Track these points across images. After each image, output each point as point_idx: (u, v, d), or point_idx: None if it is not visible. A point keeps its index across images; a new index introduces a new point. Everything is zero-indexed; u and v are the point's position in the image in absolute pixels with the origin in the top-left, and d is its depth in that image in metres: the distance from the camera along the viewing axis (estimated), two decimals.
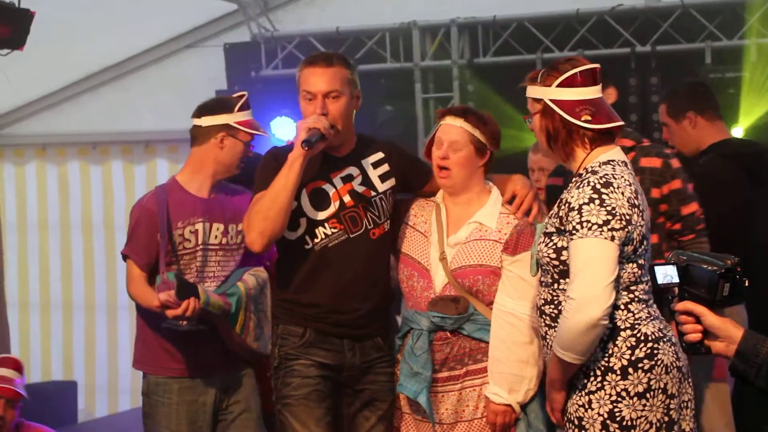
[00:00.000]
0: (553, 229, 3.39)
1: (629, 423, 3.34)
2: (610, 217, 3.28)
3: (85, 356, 8.70)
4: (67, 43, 7.73)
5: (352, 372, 3.95)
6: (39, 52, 6.73)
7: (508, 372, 3.90)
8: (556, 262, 3.36)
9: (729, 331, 2.68)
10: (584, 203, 3.29)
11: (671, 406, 3.40)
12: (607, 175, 3.35)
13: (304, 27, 7.78)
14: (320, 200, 3.88)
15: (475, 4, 7.28)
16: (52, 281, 8.81)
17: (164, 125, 8.25)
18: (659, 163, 4.45)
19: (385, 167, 4.00)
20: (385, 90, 7.65)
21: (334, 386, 3.96)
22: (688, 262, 2.72)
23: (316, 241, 3.87)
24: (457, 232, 3.93)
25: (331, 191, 3.89)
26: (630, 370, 3.34)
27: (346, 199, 3.90)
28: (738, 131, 6.54)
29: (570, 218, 3.29)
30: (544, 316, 3.45)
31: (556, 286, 3.40)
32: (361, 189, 3.91)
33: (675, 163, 4.46)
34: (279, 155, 3.86)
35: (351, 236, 3.89)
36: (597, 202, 3.29)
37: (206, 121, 4.29)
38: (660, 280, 2.75)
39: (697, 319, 2.71)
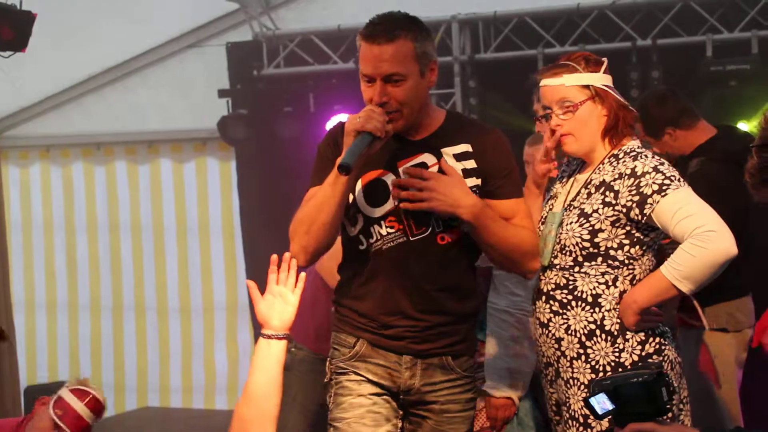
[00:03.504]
0: (595, 207, 3.38)
1: None
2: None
3: (91, 356, 8.72)
4: (69, 45, 7.74)
5: (410, 396, 3.37)
6: (41, 54, 6.75)
7: (506, 367, 3.91)
8: (587, 244, 3.35)
9: None
10: (658, 164, 3.32)
11: (673, 402, 3.41)
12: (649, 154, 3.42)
13: (305, 25, 7.79)
14: (377, 194, 3.30)
15: (475, 1, 7.28)
16: (58, 282, 8.83)
17: (168, 125, 8.27)
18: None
19: (471, 163, 3.33)
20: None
21: (400, 407, 3.40)
22: (614, 384, 2.57)
23: (371, 241, 3.31)
24: None
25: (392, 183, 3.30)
26: (640, 365, 3.34)
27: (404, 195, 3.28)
28: (743, 126, 6.55)
29: (647, 181, 3.29)
30: (551, 301, 3.44)
31: (577, 269, 3.38)
32: None
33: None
34: (340, 137, 3.25)
35: (411, 239, 3.28)
36: (665, 165, 3.34)
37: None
38: (600, 411, 2.57)
39: None
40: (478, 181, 3.31)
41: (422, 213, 3.26)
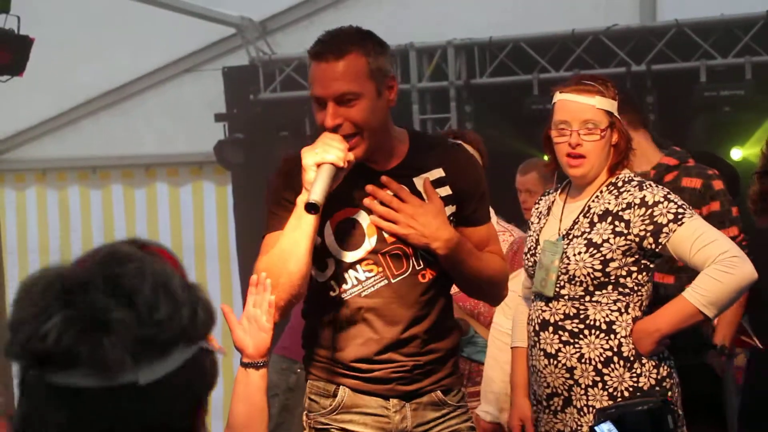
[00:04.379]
0: (605, 237, 3.39)
1: None
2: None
3: None
4: (66, 69, 7.78)
5: None
6: (38, 78, 6.77)
7: (500, 391, 3.90)
8: (599, 273, 3.36)
9: None
10: (666, 193, 3.35)
11: (679, 427, 3.43)
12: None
13: (301, 50, 7.80)
14: (350, 235, 2.96)
15: (471, 26, 7.32)
16: None
17: (164, 149, 8.29)
18: (699, 184, 4.43)
19: (446, 190, 3.02)
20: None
21: None
22: (619, 411, 2.54)
23: (344, 288, 2.97)
24: None
25: (366, 221, 2.95)
26: (657, 389, 3.35)
27: (387, 232, 2.96)
28: (736, 153, 6.59)
29: (660, 210, 3.32)
30: (560, 332, 3.43)
31: (588, 299, 3.39)
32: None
33: (716, 184, 4.42)
34: (296, 173, 2.86)
35: (393, 281, 2.97)
36: (673, 194, 3.37)
37: None
38: None
39: None
40: (453, 208, 3.02)
41: (401, 251, 2.96)
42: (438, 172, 3.01)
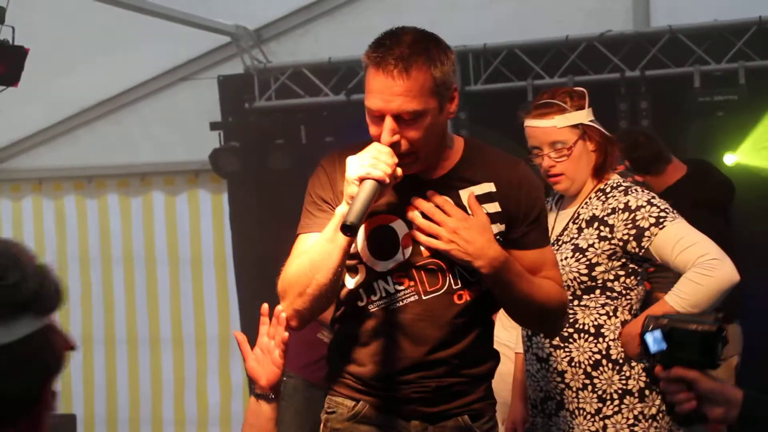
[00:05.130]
0: (590, 242, 3.42)
1: None
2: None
3: (84, 388, 8.69)
4: (61, 78, 7.77)
5: None
6: (33, 88, 6.77)
7: (503, 403, 3.92)
8: (585, 278, 3.40)
9: (728, 394, 2.38)
10: (650, 198, 3.39)
11: (673, 428, 3.46)
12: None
13: (296, 58, 7.83)
14: (384, 244, 2.78)
15: (465, 33, 7.33)
16: None
17: (160, 158, 8.29)
18: None
19: (494, 206, 2.80)
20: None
21: None
22: (671, 324, 2.45)
23: (373, 298, 2.81)
24: None
25: (403, 232, 2.77)
26: (646, 392, 3.39)
27: (421, 238, 2.76)
28: (730, 158, 6.60)
29: (642, 215, 3.35)
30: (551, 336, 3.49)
31: (576, 302, 3.44)
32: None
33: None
34: (339, 177, 2.75)
35: (424, 298, 2.78)
36: (657, 199, 3.39)
37: None
38: (653, 349, 2.45)
39: (688, 386, 2.40)
40: (502, 227, 2.80)
41: (437, 266, 2.77)
42: (488, 186, 2.78)
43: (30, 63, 6.11)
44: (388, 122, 2.62)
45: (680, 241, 3.31)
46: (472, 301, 2.80)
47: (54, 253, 8.76)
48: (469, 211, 2.74)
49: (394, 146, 2.64)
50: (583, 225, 3.46)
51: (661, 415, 3.44)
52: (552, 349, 3.48)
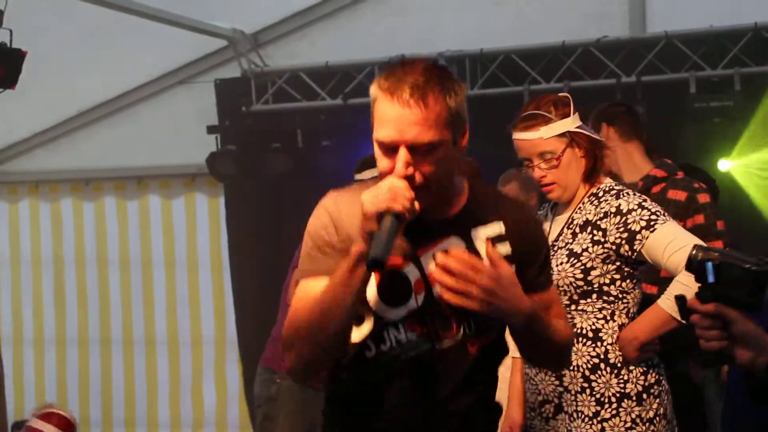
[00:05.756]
0: (584, 246, 3.44)
1: None
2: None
3: (79, 390, 8.70)
4: (58, 81, 7.79)
5: None
6: (31, 91, 6.79)
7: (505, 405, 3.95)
8: (581, 282, 3.43)
9: (762, 340, 2.30)
10: (642, 201, 3.42)
11: (668, 431, 3.48)
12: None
13: (293, 62, 7.85)
14: (395, 289, 2.60)
15: (462, 38, 7.35)
16: (46, 316, 8.83)
17: (157, 161, 8.30)
18: (684, 197, 4.49)
19: (506, 248, 2.65)
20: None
21: None
22: (722, 259, 2.30)
23: (383, 348, 2.62)
24: None
25: (415, 277, 2.60)
26: (644, 395, 3.42)
27: (437, 290, 2.55)
28: (724, 164, 6.62)
29: (633, 218, 3.38)
30: None
31: (573, 307, 3.47)
32: None
33: (702, 197, 4.46)
34: (344, 215, 2.61)
35: (437, 347, 2.61)
36: (648, 202, 3.42)
37: (368, 174, 4.54)
38: (710, 278, 2.31)
39: (723, 324, 2.29)
40: (512, 268, 2.58)
41: (450, 314, 2.59)
42: (498, 227, 2.64)
43: (27, 66, 6.13)
44: (403, 154, 2.47)
45: (671, 243, 3.34)
46: (484, 349, 2.66)
47: (50, 255, 8.77)
48: (482, 253, 2.58)
49: (408, 180, 2.48)
50: (577, 230, 3.49)
51: (658, 418, 3.46)
52: None
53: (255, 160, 7.72)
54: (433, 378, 2.62)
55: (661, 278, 4.02)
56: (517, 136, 3.54)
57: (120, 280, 8.61)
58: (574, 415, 3.47)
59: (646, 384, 3.45)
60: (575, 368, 3.46)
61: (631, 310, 3.49)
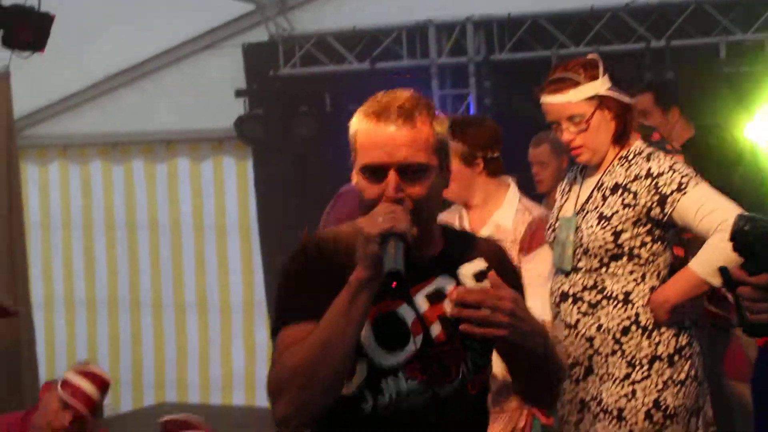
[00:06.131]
0: (615, 210, 3.45)
1: (672, 411, 3.43)
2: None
3: (110, 352, 8.79)
4: (86, 45, 7.82)
5: None
6: (59, 54, 6.83)
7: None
8: (612, 246, 3.44)
9: None
10: (673, 163, 3.41)
11: (700, 393, 3.49)
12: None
13: (321, 26, 7.85)
14: (392, 333, 2.40)
15: (490, 2, 7.33)
16: (76, 279, 8.92)
17: (185, 125, 8.34)
18: None
19: (488, 284, 2.43)
20: (402, 87, 7.68)
21: None
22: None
23: (381, 401, 2.38)
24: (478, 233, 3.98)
25: (411, 318, 2.42)
26: (676, 357, 3.43)
27: (435, 330, 2.42)
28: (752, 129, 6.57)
29: (665, 180, 3.38)
30: (579, 303, 3.52)
31: (604, 270, 3.47)
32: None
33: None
34: (334, 252, 2.42)
35: (440, 392, 2.41)
36: (679, 164, 3.41)
37: None
38: (743, 248, 2.24)
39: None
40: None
41: (449, 356, 2.43)
42: (480, 263, 2.43)
43: (56, 30, 6.17)
44: (393, 176, 2.33)
45: (703, 206, 3.34)
46: (482, 390, 2.50)
47: (80, 218, 8.84)
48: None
49: (399, 204, 2.33)
50: (607, 193, 3.49)
51: (689, 380, 3.47)
52: (580, 316, 3.51)
53: (283, 123, 7.75)
54: (435, 428, 2.41)
55: (687, 240, 4.02)
56: (546, 99, 3.53)
57: (149, 244, 8.68)
58: (605, 377, 3.48)
59: (678, 346, 3.46)
60: (606, 331, 3.47)
61: (662, 273, 3.49)
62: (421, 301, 2.43)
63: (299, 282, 2.41)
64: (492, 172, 3.99)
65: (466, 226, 3.97)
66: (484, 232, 3.92)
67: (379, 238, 2.23)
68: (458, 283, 2.39)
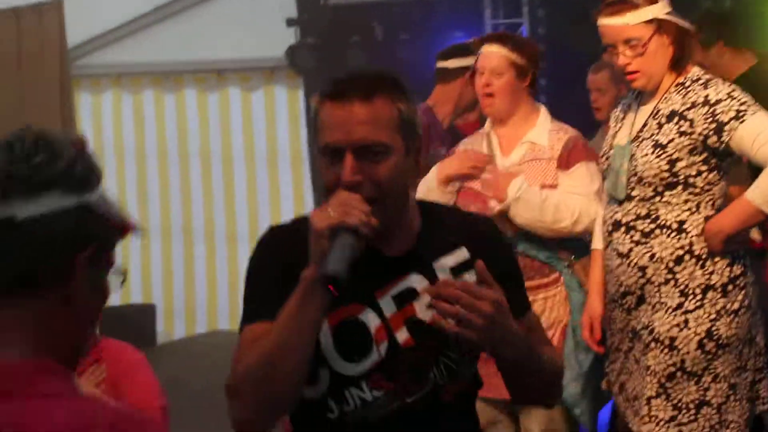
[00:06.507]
0: (670, 138, 3.42)
1: (724, 341, 3.41)
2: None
3: (163, 280, 8.90)
4: None
5: None
6: None
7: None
8: (666, 174, 3.41)
9: None
10: (731, 91, 3.36)
11: (753, 323, 3.48)
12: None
13: None
14: (353, 341, 2.24)
15: None
16: (129, 207, 9.00)
17: (236, 54, 8.33)
18: None
19: (473, 275, 2.22)
20: (454, 17, 7.64)
21: None
22: None
23: (346, 409, 2.24)
24: (509, 154, 3.98)
25: (374, 324, 2.25)
26: (729, 287, 3.41)
27: (401, 336, 2.25)
28: None
29: (722, 108, 3.34)
30: (632, 232, 3.49)
31: (658, 199, 3.44)
32: (429, 316, 2.20)
33: None
34: (287, 247, 2.29)
35: (408, 400, 2.24)
36: (737, 91, 3.37)
37: (453, 63, 4.69)
38: None
39: None
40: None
41: (419, 362, 2.25)
42: (461, 254, 2.30)
43: None
44: (349, 158, 2.16)
45: (760, 135, 3.28)
46: (457, 397, 2.30)
47: (132, 147, 8.91)
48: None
49: (357, 189, 2.16)
50: (663, 120, 3.44)
51: (743, 310, 3.45)
52: (633, 245, 3.49)
53: (334, 53, 7.71)
54: None
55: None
56: (603, 21, 3.48)
57: (201, 173, 8.73)
58: (657, 306, 3.47)
59: (732, 275, 3.44)
60: (659, 260, 3.45)
61: (717, 202, 3.45)
62: (388, 304, 2.24)
63: (258, 278, 2.31)
64: (532, 91, 4.03)
65: (495, 149, 3.98)
66: (516, 152, 3.93)
67: (329, 233, 2.06)
68: (432, 279, 2.25)
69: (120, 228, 1.65)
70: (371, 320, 2.24)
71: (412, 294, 2.26)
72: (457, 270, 2.28)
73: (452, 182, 3.92)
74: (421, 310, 2.24)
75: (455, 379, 2.28)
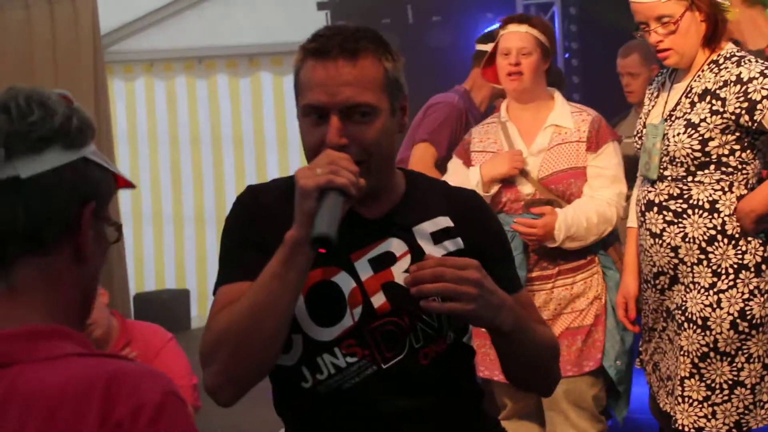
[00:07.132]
0: (702, 117, 3.39)
1: (758, 321, 3.39)
2: None
3: (197, 266, 8.95)
4: None
5: None
6: None
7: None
8: (699, 153, 3.38)
9: None
10: (764, 68, 3.33)
11: None
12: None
13: None
14: (327, 306, 2.18)
15: None
16: (163, 194, 9.04)
17: (268, 38, 8.34)
18: None
19: (455, 243, 2.25)
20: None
21: None
22: None
23: (319, 377, 2.19)
24: (535, 139, 3.97)
25: (349, 287, 2.19)
26: (763, 266, 3.39)
27: (377, 301, 2.19)
28: None
29: (755, 87, 3.29)
30: (664, 212, 3.47)
31: (690, 179, 3.42)
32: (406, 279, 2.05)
33: None
34: (262, 208, 2.24)
35: (384, 366, 2.18)
36: None
37: (485, 46, 4.63)
38: None
39: None
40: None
41: (395, 327, 2.18)
42: (444, 221, 2.24)
43: None
44: (334, 120, 2.09)
45: None
46: (440, 356, 2.23)
47: (166, 132, 8.94)
48: (427, 252, 2.21)
49: (343, 151, 2.08)
50: (696, 99, 3.41)
51: None
52: (666, 225, 3.47)
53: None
54: (383, 404, 2.19)
55: None
56: None
57: (234, 158, 8.76)
58: (690, 286, 3.45)
59: (765, 255, 3.41)
60: (691, 240, 3.43)
61: (750, 182, 3.42)
62: (363, 267, 2.18)
63: (235, 237, 2.22)
64: (547, 75, 4.04)
65: (515, 137, 3.97)
66: (542, 136, 3.93)
67: (317, 193, 1.98)
68: (412, 243, 2.20)
69: (116, 179, 1.67)
70: (346, 283, 2.17)
71: (390, 258, 2.19)
72: (438, 236, 2.23)
73: (496, 183, 3.92)
74: (399, 275, 2.17)
75: (432, 343, 2.21)
